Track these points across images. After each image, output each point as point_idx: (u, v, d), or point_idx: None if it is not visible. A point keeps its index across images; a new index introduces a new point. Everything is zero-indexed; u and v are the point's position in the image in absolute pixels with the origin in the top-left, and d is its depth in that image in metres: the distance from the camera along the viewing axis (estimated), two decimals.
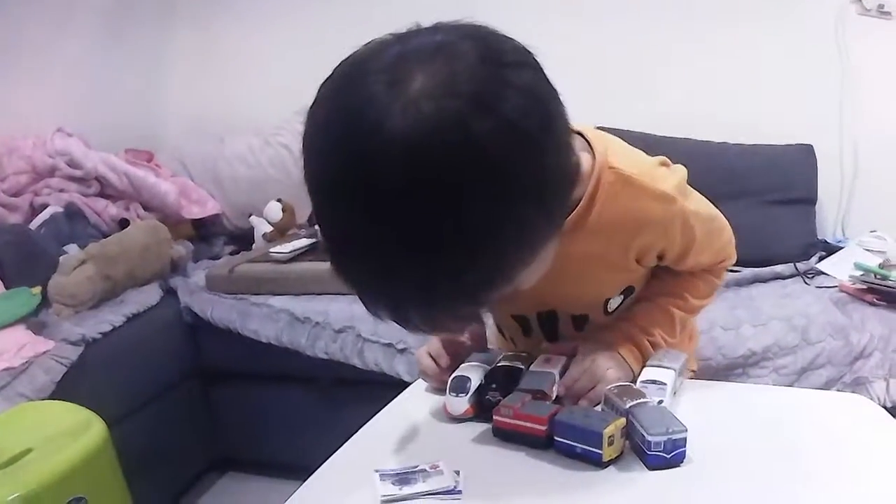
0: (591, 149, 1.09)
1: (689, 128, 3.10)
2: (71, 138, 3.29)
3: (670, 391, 1.11)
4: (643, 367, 1.18)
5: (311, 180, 0.83)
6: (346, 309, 2.58)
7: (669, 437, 0.95)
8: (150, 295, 2.77)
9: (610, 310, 1.27)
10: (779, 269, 2.66)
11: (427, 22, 0.88)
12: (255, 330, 2.66)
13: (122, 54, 3.79)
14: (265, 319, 2.66)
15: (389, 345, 2.49)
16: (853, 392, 2.02)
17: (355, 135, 0.77)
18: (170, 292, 2.86)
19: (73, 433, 1.86)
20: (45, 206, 3.07)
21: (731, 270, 2.62)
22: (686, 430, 0.96)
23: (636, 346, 1.23)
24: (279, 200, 3.35)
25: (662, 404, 1.07)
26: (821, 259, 2.76)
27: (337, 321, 2.56)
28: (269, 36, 3.92)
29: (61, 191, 3.15)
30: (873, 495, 0.88)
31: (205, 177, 3.60)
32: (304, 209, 3.51)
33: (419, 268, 0.79)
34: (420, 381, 1.30)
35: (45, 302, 2.54)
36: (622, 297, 1.26)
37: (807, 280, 2.58)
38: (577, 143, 1.05)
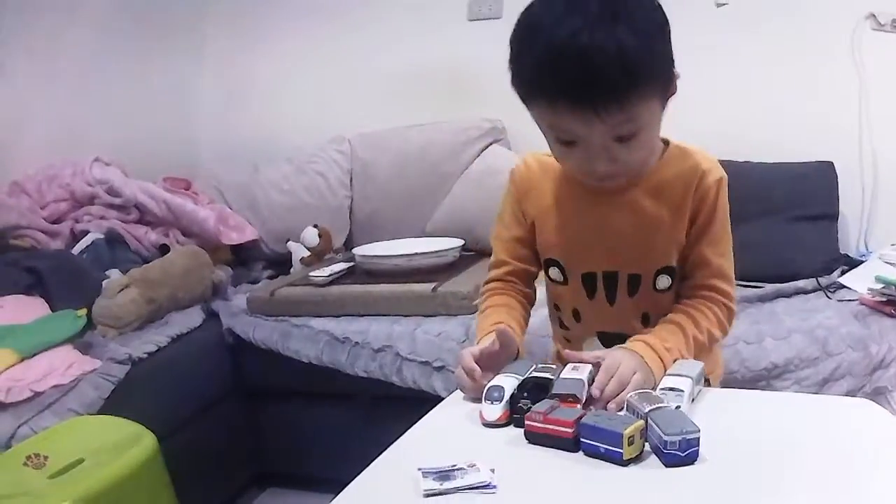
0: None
1: (711, 146, 3.13)
2: (109, 167, 3.40)
3: (687, 397, 1.21)
4: (664, 375, 1.30)
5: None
6: (385, 329, 2.66)
7: (684, 436, 1.04)
8: (192, 317, 2.87)
9: (658, 287, 1.49)
10: (801, 283, 2.71)
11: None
12: (296, 350, 2.75)
13: (155, 83, 3.89)
14: (306, 340, 2.75)
15: (426, 363, 2.57)
16: (874, 401, 2.08)
17: None
18: (212, 315, 2.95)
19: (124, 446, 1.95)
20: (85, 233, 3.17)
21: (755, 286, 2.71)
22: (699, 431, 1.05)
23: (656, 353, 1.35)
24: (316, 226, 3.45)
25: (679, 409, 1.17)
26: (843, 273, 2.80)
27: (376, 341, 2.64)
28: (302, 65, 4.03)
29: (101, 218, 3.26)
30: (874, 498, 0.96)
31: (241, 203, 3.70)
32: (339, 234, 3.62)
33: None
34: (456, 394, 1.41)
35: (90, 324, 2.63)
36: (669, 279, 1.49)
37: (829, 294, 2.65)
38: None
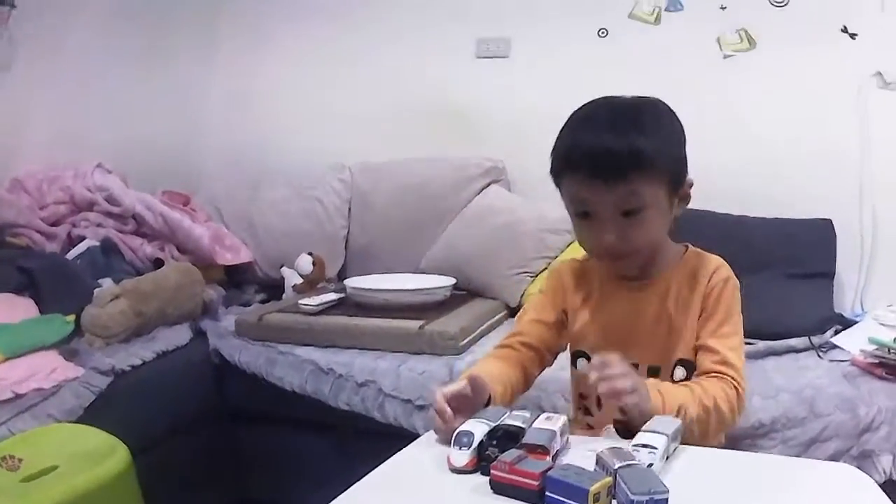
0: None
1: (707, 200, 3.13)
2: (110, 175, 3.40)
3: (661, 455, 1.19)
4: (656, 415, 1.33)
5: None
6: (370, 364, 2.64)
7: (651, 496, 1.02)
8: (180, 334, 2.86)
9: (675, 378, 1.60)
10: (793, 342, 2.67)
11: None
12: (280, 377, 2.73)
13: (160, 95, 3.90)
14: (291, 368, 2.73)
15: (409, 401, 2.55)
16: (859, 466, 2.05)
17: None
18: (200, 333, 2.94)
19: (98, 456, 1.95)
20: (82, 238, 3.17)
21: (746, 343, 2.68)
22: (667, 492, 1.03)
23: (657, 389, 1.44)
24: (310, 254, 3.44)
25: (652, 467, 1.14)
26: (836, 333, 2.77)
27: (360, 375, 2.63)
28: (308, 87, 4.04)
29: (99, 225, 3.26)
30: None
31: (239, 224, 3.70)
32: (333, 263, 3.60)
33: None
34: (431, 434, 1.39)
35: (77, 331, 2.63)
36: (685, 371, 1.60)
37: (820, 354, 2.62)
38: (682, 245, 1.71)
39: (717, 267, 1.63)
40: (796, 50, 3.21)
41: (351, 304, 3.00)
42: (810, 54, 3.19)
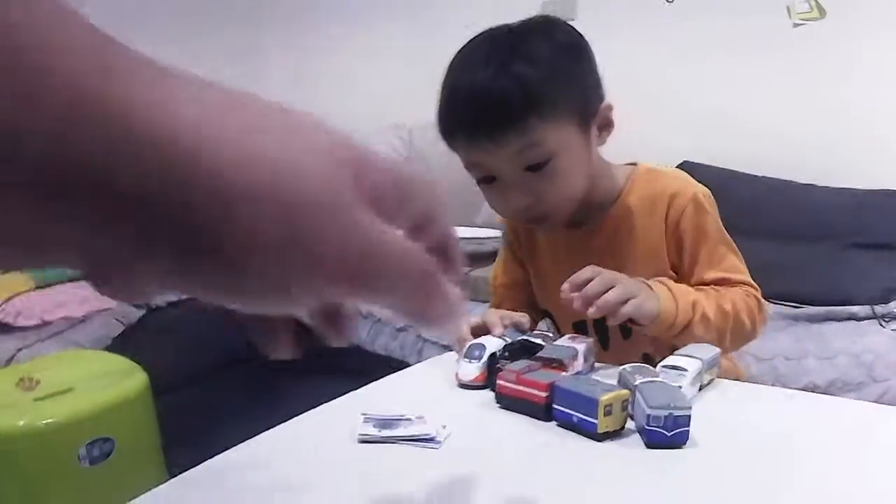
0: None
1: (775, 167, 3.04)
2: None
3: (691, 379, 1.04)
4: (675, 309, 1.18)
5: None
6: None
7: (671, 412, 0.89)
8: None
9: None
10: (854, 310, 2.54)
11: None
12: None
13: (218, 69, 3.86)
14: None
15: (448, 347, 2.45)
16: None
17: None
18: None
19: (115, 378, 1.94)
20: None
21: (804, 306, 2.55)
22: (690, 409, 0.90)
23: (666, 285, 1.22)
24: None
25: (680, 390, 1.02)
26: None
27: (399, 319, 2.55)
28: (361, 55, 3.99)
29: None
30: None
31: None
32: None
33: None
34: (446, 356, 1.29)
35: None
36: None
37: (883, 323, 2.47)
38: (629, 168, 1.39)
39: (677, 188, 1.32)
40: (865, 19, 3.06)
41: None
42: (880, 23, 3.04)
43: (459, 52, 1.25)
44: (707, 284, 1.29)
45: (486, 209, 3.34)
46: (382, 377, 2.48)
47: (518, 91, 1.15)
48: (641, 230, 1.33)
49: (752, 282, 1.32)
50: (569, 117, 1.21)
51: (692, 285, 1.28)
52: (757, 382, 1.96)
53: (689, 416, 0.90)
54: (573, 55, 1.25)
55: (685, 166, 3.07)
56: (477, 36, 1.26)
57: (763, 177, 3.05)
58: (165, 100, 0.31)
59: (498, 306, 1.48)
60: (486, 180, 1.26)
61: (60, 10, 0.29)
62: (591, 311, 1.11)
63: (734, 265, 1.31)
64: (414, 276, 0.38)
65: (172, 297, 2.53)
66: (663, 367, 1.06)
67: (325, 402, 1.06)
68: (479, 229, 3.08)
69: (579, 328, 1.39)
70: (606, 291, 1.12)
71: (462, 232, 2.99)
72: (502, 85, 1.16)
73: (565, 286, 1.14)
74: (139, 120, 0.29)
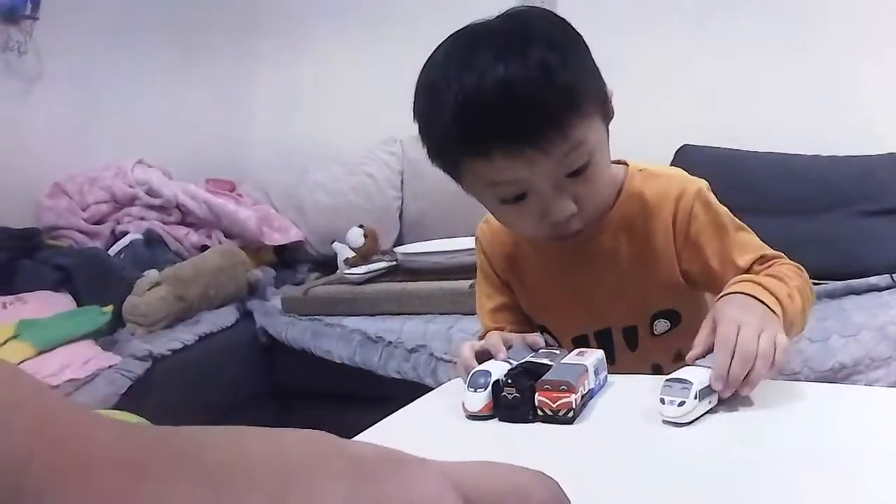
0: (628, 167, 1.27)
1: (778, 141, 2.99)
2: (151, 169, 3.34)
3: (695, 392, 0.93)
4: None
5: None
6: (420, 328, 2.54)
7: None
8: (225, 316, 2.79)
9: (656, 332, 1.27)
10: (874, 280, 2.51)
11: None
12: (328, 350, 2.64)
13: (204, 86, 3.86)
14: (338, 339, 2.63)
15: None
16: None
17: None
18: (247, 315, 2.87)
19: None
20: (125, 234, 3.12)
21: (823, 283, 2.50)
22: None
23: (770, 293, 1.06)
24: (361, 226, 3.33)
25: (685, 406, 0.93)
26: None
27: (410, 341, 2.52)
28: (353, 66, 3.91)
29: (142, 219, 3.20)
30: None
31: (287, 204, 3.63)
32: (386, 235, 3.49)
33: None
34: (454, 381, 1.24)
35: (120, 322, 2.57)
36: (668, 322, 1.26)
37: None
38: (620, 168, 1.25)
39: (679, 188, 1.21)
40: None
41: (400, 272, 2.91)
42: None
43: (443, 53, 1.11)
44: (748, 270, 1.18)
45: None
46: (401, 401, 2.44)
47: (555, 84, 1.02)
48: (643, 235, 1.22)
49: (780, 253, 1.23)
50: (595, 109, 1.09)
51: (723, 272, 1.19)
52: (784, 367, 1.93)
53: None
54: (578, 38, 1.12)
55: (685, 150, 3.03)
56: (457, 33, 1.12)
57: (765, 152, 3.00)
58: None
59: (485, 329, 1.35)
60: (517, 199, 1.10)
61: None
62: (746, 391, 0.95)
63: (759, 243, 1.23)
64: None
65: (177, 344, 2.51)
66: (667, 380, 0.96)
67: (356, 430, 1.00)
68: None
69: (579, 342, 1.28)
70: (749, 368, 0.94)
71: (463, 243, 2.94)
72: (536, 80, 1.01)
73: (718, 385, 0.94)
74: None
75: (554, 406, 0.99)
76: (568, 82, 1.03)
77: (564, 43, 1.08)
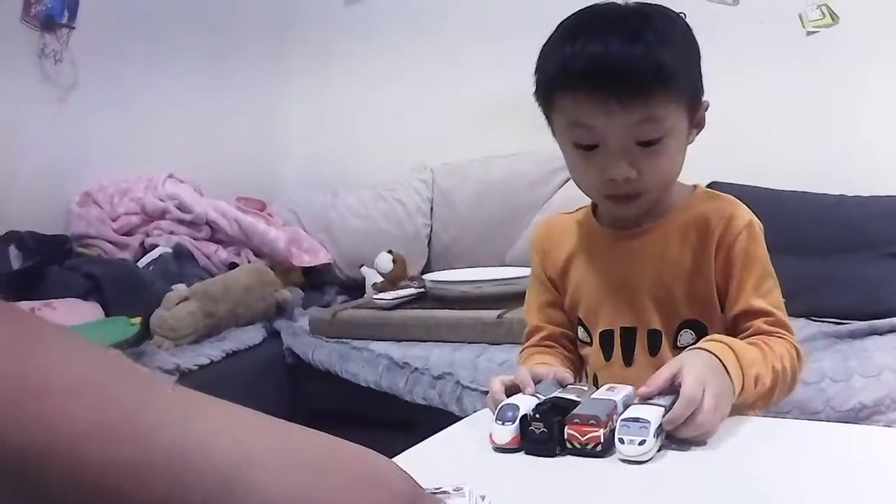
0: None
1: (804, 181, 3.00)
2: (182, 184, 3.38)
3: (654, 429, 0.99)
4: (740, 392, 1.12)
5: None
6: (447, 356, 2.54)
7: None
8: (252, 334, 2.80)
9: (680, 343, 1.30)
10: None
11: None
12: (354, 373, 2.64)
13: (237, 103, 3.88)
14: (365, 363, 2.64)
15: (487, 392, 2.42)
16: None
17: None
18: (274, 334, 2.88)
19: None
20: (155, 247, 3.15)
21: (846, 321, 2.51)
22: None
23: (739, 363, 1.13)
24: (390, 251, 3.35)
25: (645, 445, 0.98)
26: None
27: (436, 368, 2.52)
28: (386, 93, 3.93)
29: (171, 233, 3.23)
30: None
31: (316, 226, 3.65)
32: (415, 262, 3.51)
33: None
34: (483, 412, 1.25)
35: (147, 335, 2.59)
36: (693, 335, 1.30)
37: None
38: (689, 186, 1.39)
39: (734, 212, 1.30)
40: (878, 21, 3.04)
41: (429, 299, 2.92)
42: (894, 25, 3.02)
43: (573, 17, 1.27)
44: (754, 314, 1.25)
45: (514, 250, 3.34)
46: (425, 427, 2.45)
47: (653, 63, 1.17)
48: (690, 245, 1.30)
49: (793, 333, 1.28)
50: (683, 102, 1.23)
51: (738, 311, 1.27)
52: (804, 408, 1.93)
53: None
54: (692, 42, 1.29)
55: (714, 186, 3.02)
56: (591, 6, 1.27)
57: (791, 191, 3.00)
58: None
59: (533, 332, 1.45)
60: (589, 147, 1.24)
61: None
62: (691, 433, 1.03)
63: (779, 302, 1.29)
64: None
65: (204, 360, 2.54)
66: (623, 420, 1.00)
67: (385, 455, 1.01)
68: (510, 269, 3.05)
69: (606, 337, 1.35)
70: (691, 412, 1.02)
71: (492, 273, 2.97)
72: (638, 53, 1.17)
73: (643, 391, 1.06)
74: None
75: (583, 440, 1.01)
76: (665, 62, 1.17)
77: (676, 38, 1.24)
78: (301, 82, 4.13)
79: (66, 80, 3.22)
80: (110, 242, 3.14)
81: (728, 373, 1.10)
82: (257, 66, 4.00)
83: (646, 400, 1.05)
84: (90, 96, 3.27)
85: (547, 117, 1.31)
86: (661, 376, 1.08)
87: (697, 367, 1.08)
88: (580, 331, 1.41)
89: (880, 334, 2.44)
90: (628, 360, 1.34)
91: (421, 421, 2.57)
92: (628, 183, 1.22)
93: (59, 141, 3.17)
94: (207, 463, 0.32)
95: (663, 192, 1.30)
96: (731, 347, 1.15)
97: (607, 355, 1.36)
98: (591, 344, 1.38)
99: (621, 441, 0.98)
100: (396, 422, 2.63)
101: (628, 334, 1.34)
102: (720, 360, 1.11)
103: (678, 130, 1.24)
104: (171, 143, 3.56)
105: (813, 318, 2.61)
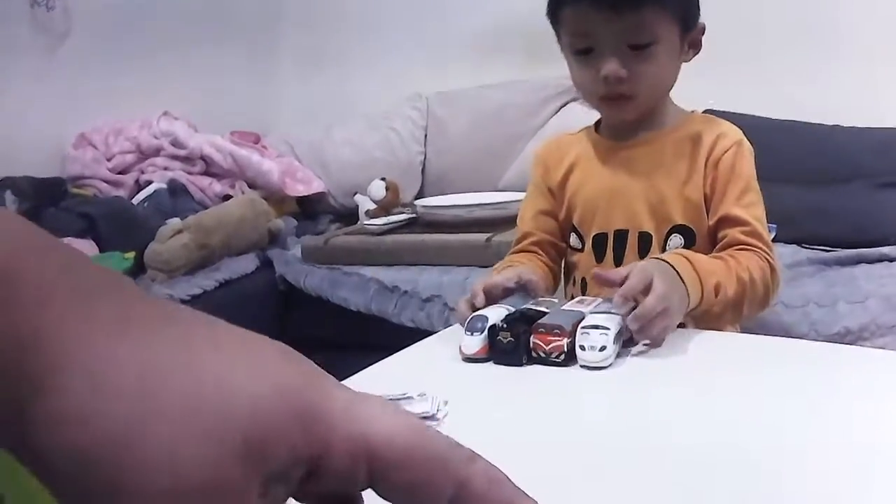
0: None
1: (799, 111, 2.99)
2: (176, 121, 3.39)
3: (613, 336, 1.03)
4: (700, 300, 1.18)
5: None
6: (435, 279, 2.57)
7: None
8: (245, 264, 2.83)
9: (669, 248, 1.39)
10: (886, 250, 2.51)
11: None
12: (345, 298, 2.67)
13: (231, 41, 3.88)
14: (355, 288, 2.67)
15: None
16: None
17: None
18: (267, 263, 2.90)
19: None
20: (150, 184, 3.17)
21: (834, 249, 2.52)
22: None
23: (694, 269, 1.20)
24: (383, 179, 3.36)
25: (605, 351, 1.01)
26: None
27: (425, 290, 2.55)
28: (379, 22, 3.93)
29: (166, 169, 3.25)
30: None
31: (311, 158, 3.67)
32: (408, 189, 3.52)
33: None
34: (454, 327, 1.28)
35: (141, 269, 2.61)
36: (682, 239, 1.38)
37: None
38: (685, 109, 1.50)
39: (724, 130, 1.42)
40: None
41: (420, 224, 2.94)
42: None
43: None
44: (732, 221, 1.34)
45: (509, 175, 3.35)
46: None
47: None
48: (684, 157, 1.40)
49: (771, 247, 1.35)
50: (675, 17, 1.34)
51: (717, 218, 1.36)
52: (789, 331, 1.96)
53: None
54: None
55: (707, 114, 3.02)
56: None
57: (785, 120, 3.00)
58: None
59: (522, 238, 1.53)
60: (585, 51, 1.35)
61: None
62: (633, 325, 1.07)
63: (759, 216, 1.36)
64: None
65: (197, 290, 2.57)
66: (584, 327, 1.04)
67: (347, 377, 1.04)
68: (502, 193, 3.06)
69: (599, 240, 1.43)
70: (644, 288, 1.09)
71: (483, 197, 2.98)
72: None
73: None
74: None
75: (547, 349, 1.03)
76: None
77: None
78: (295, 17, 4.11)
79: (59, 28, 3.21)
80: (105, 181, 3.16)
81: (683, 281, 1.15)
82: (250, 3, 3.98)
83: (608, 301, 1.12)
84: (83, 43, 3.27)
85: (556, 34, 1.42)
86: (633, 285, 1.10)
87: (661, 287, 1.10)
88: (573, 238, 1.49)
89: (868, 262, 2.46)
90: (618, 262, 1.41)
91: (409, 345, 2.61)
92: (620, 83, 1.33)
93: (53, 87, 3.16)
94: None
95: (656, 100, 1.41)
96: (687, 259, 1.21)
97: (599, 258, 1.44)
98: (582, 250, 1.47)
99: (582, 348, 1.01)
100: (385, 346, 2.67)
101: (621, 236, 1.42)
102: (674, 268, 1.16)
103: (668, 41, 1.35)
104: (166, 84, 3.55)
105: (804, 244, 2.62)
